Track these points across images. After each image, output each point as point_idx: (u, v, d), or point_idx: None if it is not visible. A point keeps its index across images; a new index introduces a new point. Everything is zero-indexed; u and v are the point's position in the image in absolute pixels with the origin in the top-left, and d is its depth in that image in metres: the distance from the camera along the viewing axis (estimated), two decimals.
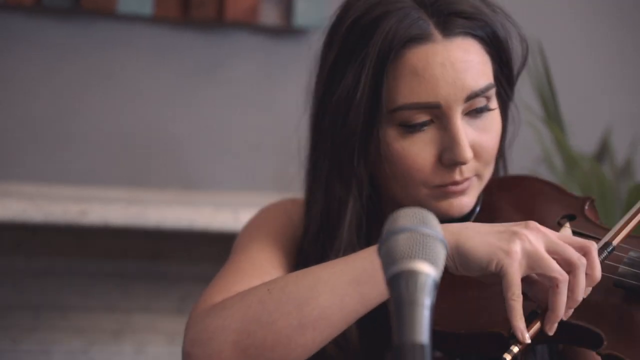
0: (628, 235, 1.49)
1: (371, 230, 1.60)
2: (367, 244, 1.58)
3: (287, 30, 3.25)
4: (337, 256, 1.55)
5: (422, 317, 1.10)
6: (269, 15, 3.24)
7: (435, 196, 1.55)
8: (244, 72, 3.22)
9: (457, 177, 1.54)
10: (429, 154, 1.53)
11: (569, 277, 1.37)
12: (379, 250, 1.18)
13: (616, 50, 3.61)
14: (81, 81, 3.18)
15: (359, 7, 1.54)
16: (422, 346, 1.07)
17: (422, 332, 1.09)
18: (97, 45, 3.18)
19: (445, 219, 1.55)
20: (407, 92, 1.51)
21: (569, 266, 1.37)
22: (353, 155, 1.55)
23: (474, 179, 1.56)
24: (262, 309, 1.42)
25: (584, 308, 1.43)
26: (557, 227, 1.58)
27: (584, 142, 3.51)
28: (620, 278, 1.47)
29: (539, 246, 1.37)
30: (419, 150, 1.53)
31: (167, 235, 2.88)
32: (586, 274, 1.38)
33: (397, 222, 1.19)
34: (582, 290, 1.38)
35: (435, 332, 1.48)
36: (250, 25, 3.24)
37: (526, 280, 1.39)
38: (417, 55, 1.51)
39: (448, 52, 1.51)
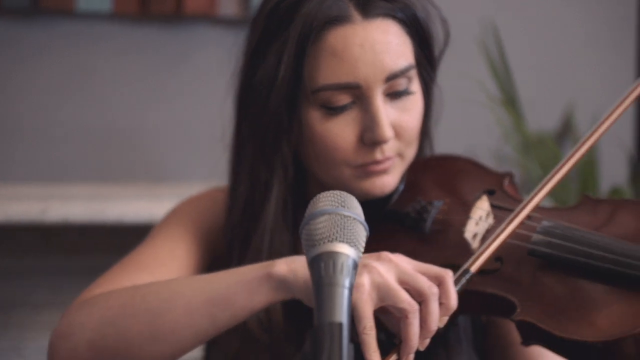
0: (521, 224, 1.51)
1: (296, 212, 1.62)
2: (294, 226, 1.61)
3: (246, 21, 3.26)
4: (261, 239, 1.58)
5: (341, 297, 1.13)
6: (228, 7, 3.26)
7: (357, 176, 1.58)
8: (205, 64, 3.24)
9: (379, 156, 1.56)
10: (350, 134, 1.56)
11: (421, 307, 1.35)
12: (300, 234, 1.21)
13: (576, 26, 3.63)
14: (41, 79, 3.19)
15: None
16: (339, 325, 1.09)
17: (341, 312, 1.11)
18: (57, 43, 3.19)
19: (369, 198, 1.58)
20: (328, 73, 1.54)
21: (420, 296, 1.35)
22: (277, 137, 1.57)
23: (396, 159, 1.59)
24: (121, 314, 1.43)
25: (498, 278, 1.48)
26: (472, 201, 1.61)
27: (546, 119, 3.54)
28: (534, 247, 1.50)
29: (389, 277, 1.34)
30: (340, 131, 1.55)
31: (129, 230, 2.89)
32: (441, 302, 1.37)
33: (317, 205, 1.21)
34: (435, 320, 1.36)
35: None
36: (209, 17, 3.26)
37: (383, 312, 1.37)
38: (337, 37, 1.53)
39: (367, 33, 1.53)
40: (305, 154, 1.59)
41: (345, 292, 1.13)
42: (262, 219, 1.59)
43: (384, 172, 1.58)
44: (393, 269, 1.35)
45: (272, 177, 1.59)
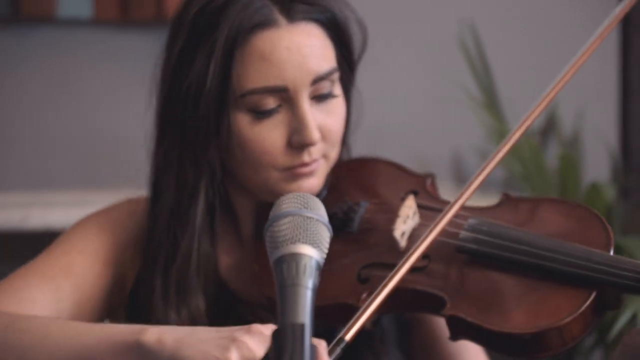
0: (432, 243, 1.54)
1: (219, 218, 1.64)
2: (214, 234, 1.63)
3: None
4: (189, 244, 1.59)
5: (304, 298, 1.14)
6: None
7: (285, 179, 1.59)
8: None
9: (306, 158, 1.58)
10: (278, 138, 1.57)
11: None
12: (265, 236, 1.22)
13: (558, 22, 3.64)
14: (22, 86, 3.20)
15: None
16: (302, 326, 1.10)
17: (304, 312, 1.13)
18: (38, 50, 3.20)
19: None
20: (256, 76, 1.55)
21: None
22: (205, 142, 1.58)
23: (322, 161, 1.61)
24: None
25: (427, 275, 1.52)
26: (400, 201, 1.64)
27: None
28: (462, 243, 1.55)
29: (259, 350, 1.31)
30: (268, 135, 1.57)
31: None
32: None
33: (280, 207, 1.22)
34: None
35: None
36: None
37: None
38: (264, 40, 1.55)
39: (293, 36, 1.56)
40: (232, 158, 1.60)
41: (308, 293, 1.15)
42: (191, 223, 1.60)
43: (310, 174, 1.60)
44: (263, 342, 1.32)
45: (200, 181, 1.59)
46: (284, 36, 1.56)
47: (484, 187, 2.34)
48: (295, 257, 1.17)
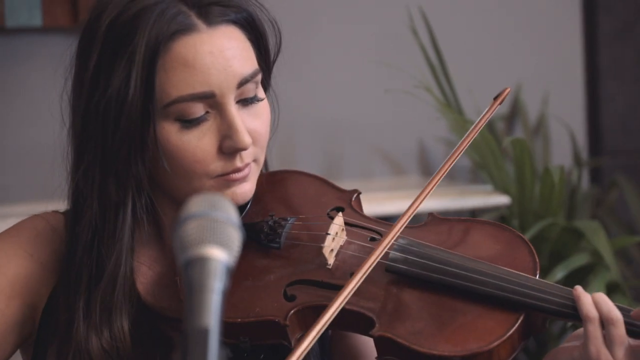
0: None
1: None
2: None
3: None
4: (117, 262, 1.55)
5: (210, 302, 1.10)
6: None
7: (218, 186, 1.57)
8: None
9: (239, 163, 1.56)
10: (209, 145, 1.54)
11: None
12: (173, 240, 1.18)
13: (520, 7, 3.61)
14: None
15: (114, 6, 1.53)
16: (206, 331, 1.06)
17: (209, 316, 1.08)
18: None
19: None
20: (181, 84, 1.52)
21: None
22: (129, 157, 1.53)
23: (253, 165, 1.59)
24: None
25: (357, 294, 1.50)
26: (327, 218, 1.64)
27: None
28: (391, 263, 1.55)
29: None
30: (198, 143, 1.54)
31: None
32: None
33: (187, 209, 1.18)
34: None
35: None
36: None
37: None
38: (186, 47, 1.51)
39: (214, 40, 1.53)
40: (159, 170, 1.56)
41: (215, 297, 1.10)
42: (118, 242, 1.55)
43: (244, 179, 1.58)
44: None
45: (125, 198, 1.55)
46: (205, 40, 1.52)
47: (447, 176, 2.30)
48: (202, 259, 1.12)
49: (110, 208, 1.55)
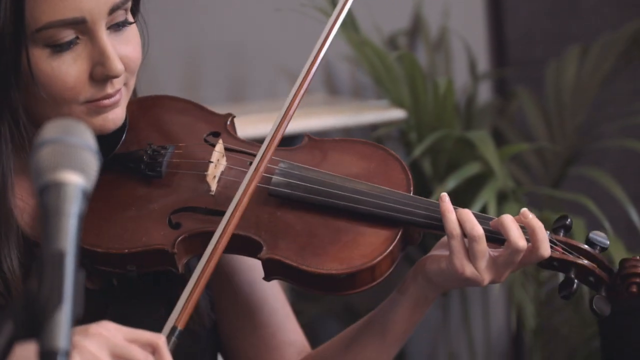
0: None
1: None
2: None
3: None
4: (3, 196, 1.55)
5: (66, 225, 1.11)
6: None
7: (89, 112, 1.57)
8: None
9: (110, 89, 1.56)
10: (79, 71, 1.54)
11: None
12: (30, 167, 1.19)
13: None
14: None
15: None
16: (61, 254, 1.08)
17: (66, 240, 1.10)
18: None
19: (103, 133, 1.59)
20: (50, 9, 1.51)
21: None
22: (2, 83, 1.53)
23: (123, 89, 1.59)
24: None
25: (243, 218, 1.53)
26: (205, 144, 1.66)
27: (398, 19, 3.53)
28: (274, 187, 1.59)
29: (102, 355, 1.33)
30: (68, 68, 1.54)
31: None
32: None
33: (42, 135, 1.19)
34: None
35: (98, 254, 1.54)
36: None
37: None
38: None
39: None
40: (31, 97, 1.55)
41: (72, 221, 1.11)
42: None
43: (115, 105, 1.58)
44: (104, 345, 1.34)
45: (2, 127, 1.55)
46: None
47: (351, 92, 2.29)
48: (57, 184, 1.14)
49: None
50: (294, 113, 1.60)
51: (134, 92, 1.68)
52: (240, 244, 1.56)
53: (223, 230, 1.52)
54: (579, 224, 2.56)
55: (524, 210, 1.58)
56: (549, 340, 3.03)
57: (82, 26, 1.53)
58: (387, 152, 1.67)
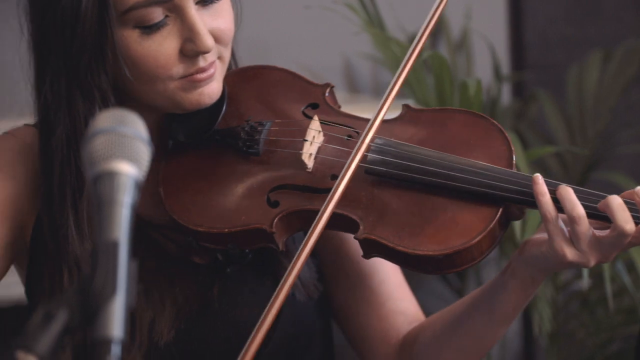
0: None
1: None
2: None
3: None
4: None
5: (120, 215, 1.12)
6: None
7: (184, 88, 1.57)
8: None
9: (202, 63, 1.56)
10: (170, 49, 1.54)
11: None
12: (82, 156, 1.19)
13: None
14: None
15: None
16: (115, 243, 1.08)
17: (118, 230, 1.10)
18: None
19: (201, 107, 1.59)
20: None
21: None
22: (91, 67, 1.53)
23: (217, 62, 1.58)
24: None
25: (342, 197, 1.51)
26: (303, 117, 1.64)
27: (421, 19, 3.52)
28: (370, 166, 1.56)
29: None
30: (159, 48, 1.53)
31: None
32: None
33: (95, 125, 1.19)
34: None
35: (201, 233, 1.55)
36: None
37: None
38: None
39: None
40: (123, 77, 1.55)
41: (124, 211, 1.12)
42: None
43: (210, 78, 1.57)
44: None
45: (93, 109, 1.55)
46: None
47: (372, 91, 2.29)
48: (111, 173, 1.14)
49: (79, 121, 1.55)
50: (396, 94, 1.57)
51: (235, 60, 1.68)
52: (339, 222, 1.54)
53: (322, 210, 1.49)
54: None
55: (638, 188, 1.49)
56: (564, 344, 3.03)
57: (169, 4, 1.52)
58: (490, 122, 1.61)
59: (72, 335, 1.05)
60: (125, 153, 1.17)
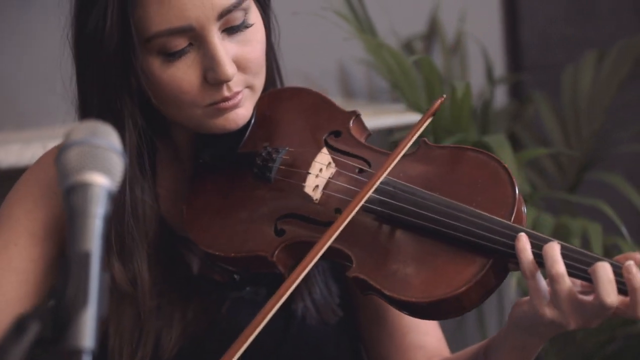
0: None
1: (155, 156, 1.65)
2: (154, 172, 1.63)
3: None
4: (122, 192, 1.58)
5: (92, 227, 1.12)
6: None
7: (210, 115, 1.58)
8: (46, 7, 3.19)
9: (226, 93, 1.57)
10: (193, 77, 1.55)
11: None
12: (55, 168, 1.20)
13: None
14: None
15: None
16: (87, 255, 1.09)
17: (91, 241, 1.11)
18: None
19: (226, 131, 1.60)
20: (157, 19, 1.52)
21: None
22: (117, 88, 1.56)
23: (246, 91, 1.59)
24: None
25: (343, 232, 1.51)
26: (318, 146, 1.65)
27: (415, 24, 3.53)
28: (367, 205, 1.56)
29: None
30: (182, 75, 1.55)
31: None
32: None
33: (69, 137, 1.20)
34: None
35: (209, 255, 1.58)
36: None
37: None
38: None
39: None
40: (155, 99, 1.57)
41: (96, 222, 1.13)
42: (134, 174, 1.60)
43: (235, 106, 1.58)
44: None
45: (122, 130, 1.57)
46: None
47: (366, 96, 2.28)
48: (83, 185, 1.15)
49: None
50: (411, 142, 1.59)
51: (281, 80, 1.69)
52: (334, 255, 1.55)
53: (320, 243, 1.50)
54: (596, 229, 2.56)
55: (629, 264, 1.42)
56: (564, 344, 3.03)
57: (191, 33, 1.53)
58: (500, 164, 1.57)
59: (44, 347, 1.05)
60: (98, 165, 1.17)
